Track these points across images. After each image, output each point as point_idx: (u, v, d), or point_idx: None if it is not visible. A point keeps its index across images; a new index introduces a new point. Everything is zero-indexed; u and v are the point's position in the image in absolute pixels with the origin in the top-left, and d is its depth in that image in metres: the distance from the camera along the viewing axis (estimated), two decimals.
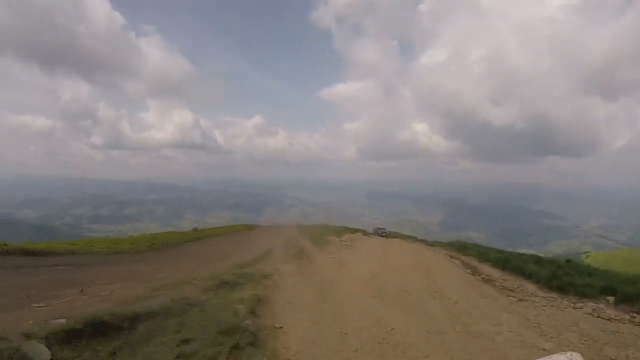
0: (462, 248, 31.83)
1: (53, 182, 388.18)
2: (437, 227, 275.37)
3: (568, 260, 24.60)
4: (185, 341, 7.77)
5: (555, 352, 2.61)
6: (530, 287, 16.49)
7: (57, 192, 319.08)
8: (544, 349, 9.12)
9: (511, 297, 14.61)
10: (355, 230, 47.01)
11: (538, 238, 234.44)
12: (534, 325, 10.82)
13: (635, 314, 12.40)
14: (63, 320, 7.64)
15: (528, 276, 17.99)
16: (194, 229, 45.79)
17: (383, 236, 46.78)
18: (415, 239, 45.77)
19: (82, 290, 11.28)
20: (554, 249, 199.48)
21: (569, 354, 1.55)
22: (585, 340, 9.75)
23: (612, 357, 8.74)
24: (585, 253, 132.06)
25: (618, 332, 10.54)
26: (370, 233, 49.46)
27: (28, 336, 6.56)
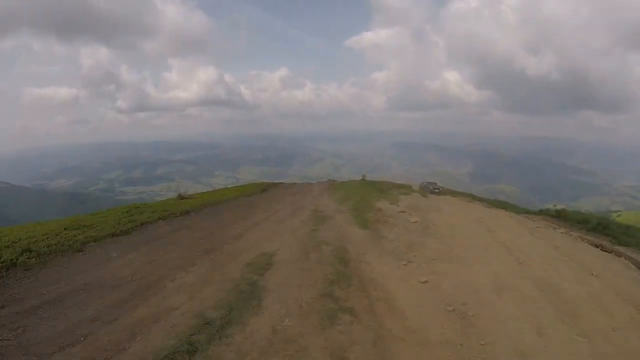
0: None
1: (84, 150, 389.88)
2: (467, 179, 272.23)
3: None
4: None
5: None
6: None
7: (89, 159, 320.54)
8: None
9: None
10: (408, 188, 36.32)
11: (569, 194, 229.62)
12: None
13: None
14: None
15: None
16: (180, 196, 27.13)
17: (435, 193, 38.96)
18: (472, 197, 39.73)
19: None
20: (584, 205, 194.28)
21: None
22: None
23: None
24: (616, 212, 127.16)
25: None
26: (419, 189, 40.10)
27: None
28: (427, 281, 12.24)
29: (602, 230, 20.43)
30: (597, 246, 17.47)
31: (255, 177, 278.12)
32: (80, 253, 13.77)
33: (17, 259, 12.17)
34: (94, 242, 15.01)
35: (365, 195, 29.54)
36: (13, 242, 14.00)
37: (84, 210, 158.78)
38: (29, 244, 13.77)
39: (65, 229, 16.48)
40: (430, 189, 40.12)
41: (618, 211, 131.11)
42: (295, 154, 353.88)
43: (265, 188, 39.24)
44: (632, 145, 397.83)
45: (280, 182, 51.18)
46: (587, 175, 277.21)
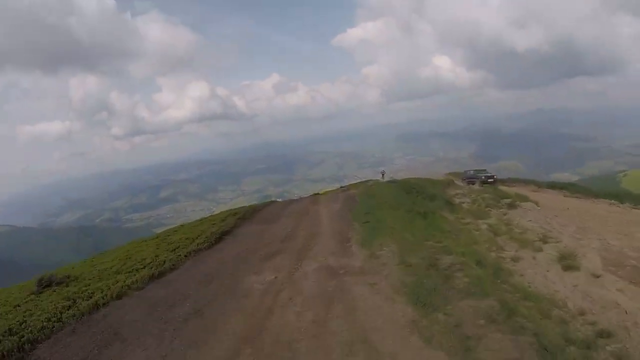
0: None
1: (85, 182, 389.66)
2: (471, 161, 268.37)
3: None
4: None
5: None
6: None
7: (92, 190, 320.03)
8: None
9: None
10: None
11: (572, 162, 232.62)
12: None
13: None
14: None
15: None
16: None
17: (489, 182, 33.73)
18: (536, 184, 35.97)
19: None
20: (589, 171, 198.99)
21: None
22: None
23: None
24: (622, 172, 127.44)
25: None
26: (462, 182, 35.74)
27: None
28: None
29: None
30: None
31: (260, 188, 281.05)
32: None
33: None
34: None
35: (433, 231, 16.42)
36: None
37: (92, 243, 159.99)
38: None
39: None
40: (482, 179, 35.01)
41: (624, 171, 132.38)
42: (297, 159, 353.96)
43: (239, 218, 24.17)
44: (625, 106, 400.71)
45: (271, 202, 36.75)
46: (586, 141, 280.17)
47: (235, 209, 30.33)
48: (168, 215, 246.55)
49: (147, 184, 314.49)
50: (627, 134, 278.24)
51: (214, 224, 22.76)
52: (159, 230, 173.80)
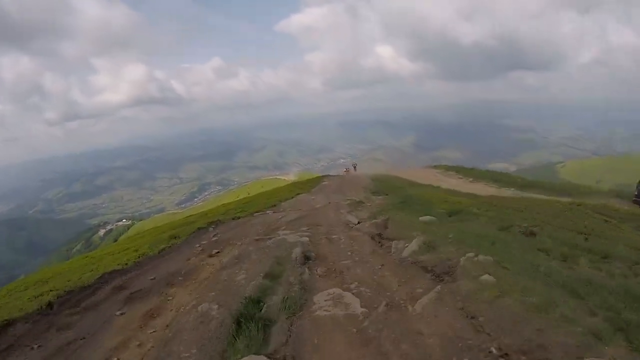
0: None
1: (18, 170, 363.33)
2: (411, 149, 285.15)
3: None
4: None
5: None
6: None
7: (25, 179, 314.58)
8: None
9: None
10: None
11: (510, 152, 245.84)
12: None
13: None
14: None
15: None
16: None
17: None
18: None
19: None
20: (526, 160, 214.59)
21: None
22: None
23: None
24: (559, 163, 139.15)
25: None
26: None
27: None
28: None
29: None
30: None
31: (199, 175, 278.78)
32: None
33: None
34: None
35: None
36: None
37: (26, 238, 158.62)
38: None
39: None
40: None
41: (561, 162, 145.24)
42: (238, 145, 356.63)
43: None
44: (563, 99, 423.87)
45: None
46: (525, 132, 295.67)
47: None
48: (104, 205, 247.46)
49: (82, 171, 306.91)
50: (564, 126, 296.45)
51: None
52: (94, 221, 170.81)
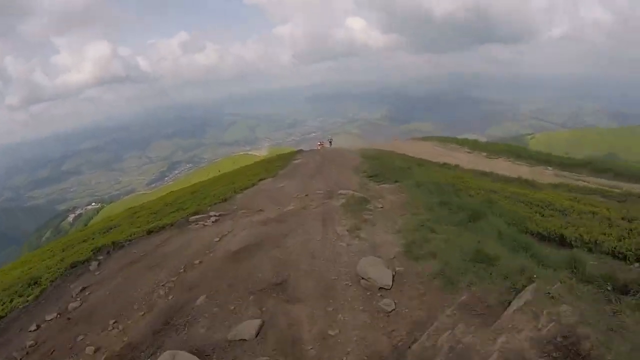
0: None
1: None
2: (384, 122, 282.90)
3: None
4: None
5: None
6: None
7: None
8: None
9: None
10: None
11: (480, 124, 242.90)
12: None
13: None
14: None
15: None
16: None
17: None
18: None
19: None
20: (495, 132, 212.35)
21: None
22: None
23: None
24: (529, 135, 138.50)
25: None
26: None
27: None
28: None
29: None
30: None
31: (169, 154, 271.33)
32: None
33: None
34: None
35: None
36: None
37: None
38: None
39: None
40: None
41: (531, 134, 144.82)
42: (207, 121, 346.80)
43: None
44: (533, 73, 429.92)
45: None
46: (495, 105, 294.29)
47: None
48: (72, 189, 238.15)
49: (48, 156, 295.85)
50: (533, 99, 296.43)
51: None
52: (63, 207, 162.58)
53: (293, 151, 41.22)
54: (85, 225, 71.30)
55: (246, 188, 18.87)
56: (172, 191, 30.31)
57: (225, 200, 16.35)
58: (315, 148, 47.69)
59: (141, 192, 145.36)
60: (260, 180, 21.09)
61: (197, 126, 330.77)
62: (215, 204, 15.78)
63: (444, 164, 23.12)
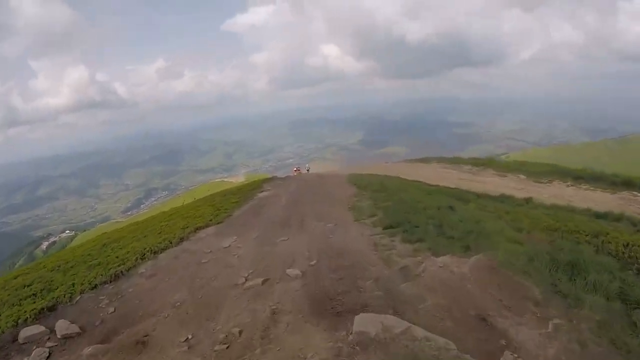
0: None
1: None
2: (359, 147, 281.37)
3: None
4: None
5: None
6: None
7: None
8: None
9: None
10: None
11: (455, 146, 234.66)
12: None
13: None
14: None
15: None
16: None
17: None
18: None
19: None
20: (471, 153, 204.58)
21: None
22: None
23: None
24: (504, 154, 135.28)
25: None
26: None
27: None
28: None
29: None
30: None
31: (145, 180, 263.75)
32: None
33: None
34: None
35: None
36: None
37: None
38: None
39: None
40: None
41: (505, 153, 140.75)
42: (183, 148, 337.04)
43: None
44: (505, 95, 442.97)
45: None
46: (469, 127, 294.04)
47: None
48: (47, 216, 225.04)
49: (23, 181, 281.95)
50: (506, 120, 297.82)
51: None
52: (38, 233, 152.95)
53: (260, 179, 31.90)
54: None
55: (165, 249, 10.71)
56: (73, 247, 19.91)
57: (111, 281, 8.65)
58: (292, 174, 41.40)
59: (115, 220, 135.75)
60: (198, 229, 12.71)
61: (174, 152, 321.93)
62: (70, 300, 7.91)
63: (501, 195, 14.58)
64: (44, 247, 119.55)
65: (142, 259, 9.96)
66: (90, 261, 11.10)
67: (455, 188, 16.45)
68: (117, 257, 10.59)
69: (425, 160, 35.43)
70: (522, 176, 21.07)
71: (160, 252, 10.40)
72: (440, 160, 33.46)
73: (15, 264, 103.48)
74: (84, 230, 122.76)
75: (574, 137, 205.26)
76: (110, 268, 9.39)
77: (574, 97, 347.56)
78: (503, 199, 14.15)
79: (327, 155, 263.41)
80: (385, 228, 9.69)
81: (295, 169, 46.95)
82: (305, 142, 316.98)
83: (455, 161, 30.77)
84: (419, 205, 11.60)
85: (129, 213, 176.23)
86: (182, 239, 11.49)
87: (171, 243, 11.13)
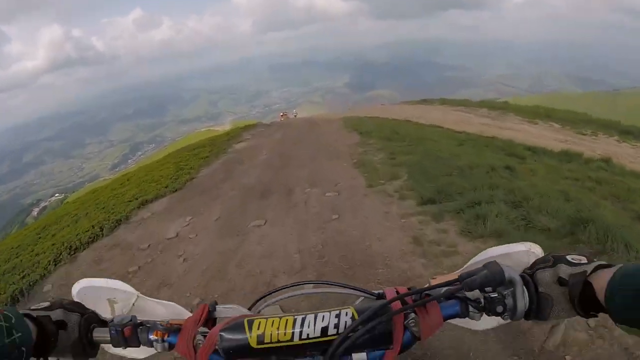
0: None
1: None
2: (346, 90, 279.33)
3: None
4: None
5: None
6: None
7: None
8: None
9: None
10: None
11: (444, 89, 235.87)
12: None
13: None
14: None
15: None
16: None
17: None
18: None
19: None
20: (461, 97, 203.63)
21: (528, 244, 1.35)
22: None
23: None
24: (497, 99, 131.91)
25: None
26: None
27: None
28: None
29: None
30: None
31: (130, 135, 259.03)
32: None
33: None
34: None
35: None
36: None
37: None
38: None
39: None
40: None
41: (497, 98, 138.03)
42: (168, 99, 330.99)
43: None
44: (496, 39, 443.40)
45: None
46: (458, 71, 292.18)
47: None
48: (35, 182, 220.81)
49: (7, 149, 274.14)
50: (497, 65, 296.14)
51: None
52: (28, 201, 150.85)
53: (241, 126, 27.37)
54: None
55: (92, 241, 7.43)
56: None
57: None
58: (279, 120, 36.88)
59: (103, 178, 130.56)
60: (145, 202, 9.34)
61: (158, 104, 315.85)
62: None
63: (562, 151, 10.72)
64: (35, 213, 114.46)
65: (55, 263, 6.47)
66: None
67: (493, 137, 12.54)
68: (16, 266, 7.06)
69: (427, 102, 31.64)
70: (556, 125, 17.38)
71: (83, 249, 6.94)
72: (444, 102, 29.61)
73: (10, 233, 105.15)
74: (74, 192, 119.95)
75: (565, 85, 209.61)
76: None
77: (567, 45, 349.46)
78: (568, 156, 10.30)
79: (314, 98, 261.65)
80: (422, 203, 5.89)
81: (281, 114, 44.03)
82: (292, 87, 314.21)
83: (465, 103, 26.64)
84: (460, 163, 7.75)
85: (117, 169, 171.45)
86: (119, 222, 8.01)
87: (102, 230, 7.60)
